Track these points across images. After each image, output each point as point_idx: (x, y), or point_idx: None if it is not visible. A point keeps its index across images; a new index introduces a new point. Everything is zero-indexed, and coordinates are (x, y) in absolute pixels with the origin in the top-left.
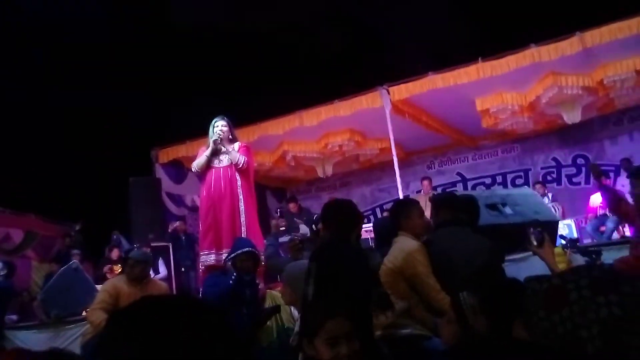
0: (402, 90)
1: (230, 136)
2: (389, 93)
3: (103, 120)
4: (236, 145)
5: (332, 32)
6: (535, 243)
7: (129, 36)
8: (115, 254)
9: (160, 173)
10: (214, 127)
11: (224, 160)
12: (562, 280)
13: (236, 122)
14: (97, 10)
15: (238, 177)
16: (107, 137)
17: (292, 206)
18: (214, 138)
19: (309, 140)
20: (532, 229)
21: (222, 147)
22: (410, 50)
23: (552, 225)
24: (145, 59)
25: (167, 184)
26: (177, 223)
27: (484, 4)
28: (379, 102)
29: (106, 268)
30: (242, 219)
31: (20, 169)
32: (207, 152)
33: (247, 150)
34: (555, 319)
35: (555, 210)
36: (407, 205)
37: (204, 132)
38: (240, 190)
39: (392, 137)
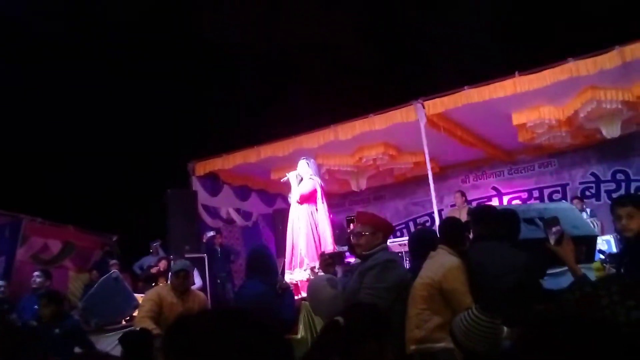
0: (437, 105)
1: (312, 173)
2: (424, 107)
3: (141, 134)
4: (304, 181)
5: (367, 46)
6: (553, 242)
7: (168, 52)
8: (163, 265)
9: (196, 185)
10: None
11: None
12: (594, 288)
13: (271, 136)
14: (133, 27)
15: (298, 208)
16: (144, 150)
17: None
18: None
19: (344, 153)
20: (552, 228)
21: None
22: (445, 64)
23: (591, 240)
24: (182, 74)
25: (203, 196)
26: (212, 233)
27: (521, 17)
28: (413, 116)
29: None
30: (300, 240)
31: (58, 181)
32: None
33: (309, 184)
34: None
35: (594, 226)
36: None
37: (239, 146)
38: (297, 218)
39: (426, 151)
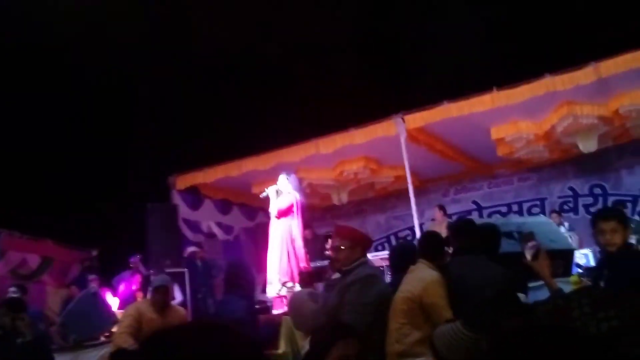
0: (417, 119)
1: (291, 188)
2: (404, 121)
3: (121, 148)
4: (282, 196)
5: (348, 61)
6: (529, 257)
7: (148, 63)
8: (137, 280)
9: (177, 199)
10: None
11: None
12: (566, 301)
13: (252, 150)
14: (115, 38)
15: (276, 223)
16: (125, 164)
17: (307, 233)
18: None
19: (325, 167)
20: (528, 243)
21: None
22: (425, 78)
23: (568, 254)
24: (163, 87)
25: (183, 211)
26: (193, 248)
27: (499, 33)
28: (394, 130)
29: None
30: (275, 254)
31: (37, 194)
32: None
33: (287, 199)
34: None
35: (572, 240)
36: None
37: (220, 159)
38: (274, 233)
39: (407, 165)
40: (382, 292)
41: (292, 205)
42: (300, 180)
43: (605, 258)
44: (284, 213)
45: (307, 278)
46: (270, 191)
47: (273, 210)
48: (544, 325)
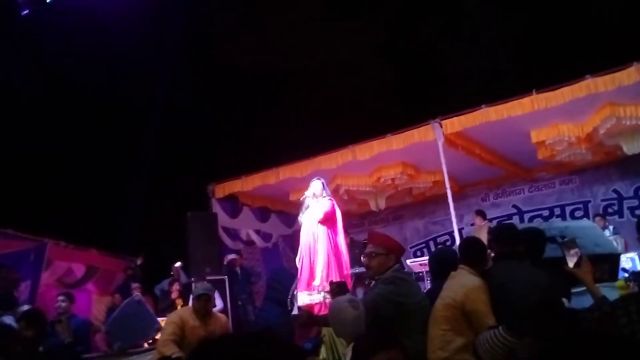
0: (455, 124)
1: (323, 194)
2: (441, 126)
3: (161, 157)
4: (322, 201)
5: (384, 66)
6: (572, 264)
7: (187, 75)
8: (175, 288)
9: (216, 208)
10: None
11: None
12: (612, 308)
13: (289, 158)
14: (154, 55)
15: (317, 228)
16: (165, 173)
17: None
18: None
19: (362, 174)
20: (570, 251)
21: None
22: (462, 82)
23: (614, 259)
24: (201, 97)
25: (223, 219)
26: (233, 255)
27: (538, 35)
28: (431, 135)
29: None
30: (318, 260)
31: (82, 204)
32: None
33: (330, 203)
34: None
35: (617, 244)
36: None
37: (258, 167)
38: (315, 238)
39: (445, 170)
40: (404, 291)
41: (334, 210)
42: (338, 187)
43: None
44: (329, 217)
45: (337, 289)
46: (308, 195)
47: (317, 214)
48: (593, 333)
